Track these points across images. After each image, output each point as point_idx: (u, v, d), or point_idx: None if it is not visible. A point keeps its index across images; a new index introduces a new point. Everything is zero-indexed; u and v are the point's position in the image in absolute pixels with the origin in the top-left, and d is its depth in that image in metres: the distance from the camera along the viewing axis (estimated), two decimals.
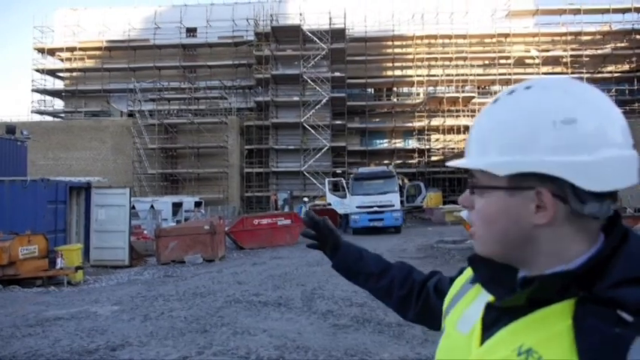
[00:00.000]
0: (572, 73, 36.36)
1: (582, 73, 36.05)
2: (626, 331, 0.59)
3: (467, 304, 0.84)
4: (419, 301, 1.13)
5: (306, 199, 22.85)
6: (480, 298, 0.81)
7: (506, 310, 0.72)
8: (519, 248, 0.72)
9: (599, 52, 38.16)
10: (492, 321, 0.74)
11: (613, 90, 35.50)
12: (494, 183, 0.73)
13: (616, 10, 37.91)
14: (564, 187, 0.68)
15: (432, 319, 1.06)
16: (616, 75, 37.74)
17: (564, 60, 37.87)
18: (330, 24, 35.96)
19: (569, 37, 38.04)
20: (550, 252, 0.70)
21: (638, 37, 38.29)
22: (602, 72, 37.97)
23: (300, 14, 36.08)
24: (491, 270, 0.78)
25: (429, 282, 1.13)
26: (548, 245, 0.70)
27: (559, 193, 0.68)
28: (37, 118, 41.08)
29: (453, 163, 0.80)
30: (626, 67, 38.73)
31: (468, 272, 0.89)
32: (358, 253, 1.28)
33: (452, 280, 1.02)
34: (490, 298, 0.78)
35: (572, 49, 37.84)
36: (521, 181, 0.70)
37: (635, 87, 37.53)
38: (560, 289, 0.67)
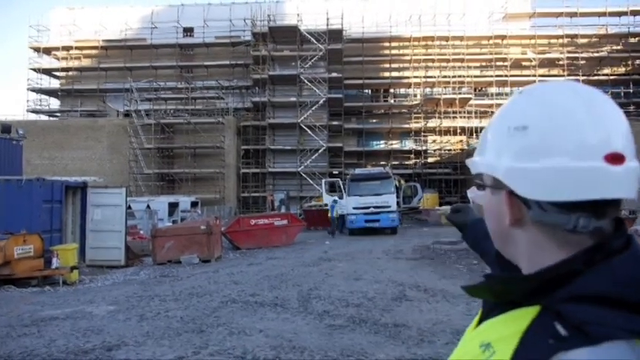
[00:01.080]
0: (568, 75, 36.54)
1: (578, 75, 36.22)
2: (557, 343, 0.59)
3: None
4: None
5: (336, 197, 22.71)
6: None
7: (496, 306, 0.75)
8: (507, 246, 0.75)
9: (596, 54, 38.33)
10: (486, 313, 0.78)
11: (609, 93, 35.63)
12: (486, 182, 0.76)
13: (612, 14, 38.12)
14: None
15: None
16: (612, 78, 37.94)
17: (561, 62, 38.02)
18: (327, 25, 35.97)
19: (565, 40, 38.21)
20: (526, 255, 0.72)
21: (633, 40, 38.50)
22: (598, 74, 38.15)
23: (298, 15, 36.08)
24: (501, 267, 0.81)
25: None
26: (524, 248, 0.72)
27: (521, 197, 0.68)
28: (33, 117, 40.97)
29: (467, 160, 0.83)
30: (622, 69, 38.94)
31: None
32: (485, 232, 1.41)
33: None
34: None
35: (569, 52, 37.98)
36: (498, 182, 0.72)
37: (631, 90, 37.74)
38: (524, 291, 0.68)
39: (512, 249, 0.75)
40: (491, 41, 38.44)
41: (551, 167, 0.65)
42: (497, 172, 0.71)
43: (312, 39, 35.29)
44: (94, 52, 40.57)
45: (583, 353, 0.57)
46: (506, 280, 0.72)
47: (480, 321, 0.79)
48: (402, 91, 41.18)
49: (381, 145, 40.01)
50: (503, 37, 38.31)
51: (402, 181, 28.98)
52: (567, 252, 0.68)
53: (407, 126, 38.51)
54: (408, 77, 39.25)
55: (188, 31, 40.37)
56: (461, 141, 37.37)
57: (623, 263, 0.64)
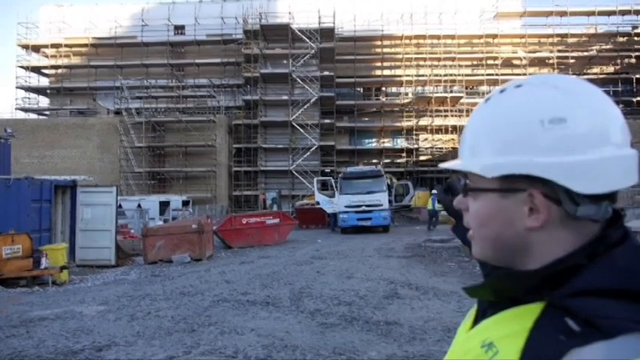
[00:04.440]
0: (558, 74, 36.82)
1: (568, 74, 36.43)
2: (570, 339, 0.58)
3: None
4: None
5: (435, 190, 22.52)
6: None
7: (492, 304, 0.73)
8: (511, 251, 0.70)
9: (585, 53, 38.67)
10: (482, 312, 0.76)
11: None
12: (487, 185, 0.70)
13: (601, 13, 38.45)
14: (556, 188, 0.65)
15: None
16: (601, 77, 38.26)
17: (551, 61, 38.32)
18: (319, 23, 35.91)
19: (555, 39, 38.51)
20: (543, 257, 0.68)
21: (622, 39, 38.88)
22: (587, 73, 38.44)
23: (289, 13, 35.98)
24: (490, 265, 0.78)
25: None
26: (542, 249, 0.68)
27: (551, 195, 0.66)
28: (22, 115, 40.47)
29: (445, 165, 0.77)
30: (611, 69, 39.32)
31: None
32: None
33: None
34: None
35: (559, 51, 38.30)
36: (513, 183, 0.68)
37: (620, 88, 38.10)
38: (527, 288, 0.67)
39: (521, 255, 0.70)
40: (482, 40, 38.61)
41: (605, 158, 0.64)
42: (535, 170, 0.65)
43: (304, 37, 35.23)
44: (83, 49, 40.15)
45: (599, 348, 0.55)
46: (511, 277, 0.69)
47: (476, 320, 0.77)
48: (394, 89, 41.26)
49: (372, 143, 40.07)
50: (494, 36, 38.51)
51: (394, 180, 29.06)
52: (580, 243, 0.67)
53: (399, 124, 38.59)
54: (399, 76, 39.32)
55: (179, 28, 40.08)
56: (452, 139, 37.51)
57: (626, 255, 0.64)
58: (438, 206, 20.82)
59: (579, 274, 0.63)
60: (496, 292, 0.70)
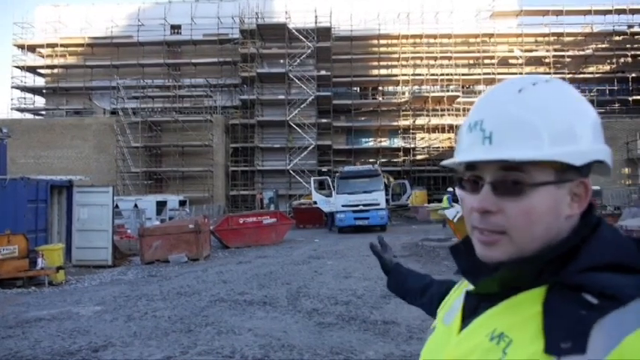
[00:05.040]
0: (554, 73, 36.91)
1: (564, 73, 36.60)
2: (591, 312, 0.62)
3: (454, 298, 0.86)
4: None
5: (450, 188, 22.23)
6: (465, 290, 0.83)
7: (484, 298, 0.73)
8: (549, 243, 0.71)
9: (581, 52, 38.79)
10: (472, 309, 0.76)
11: (594, 90, 36.16)
12: (545, 178, 0.70)
13: (597, 12, 38.59)
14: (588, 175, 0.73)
15: None
16: (597, 75, 38.41)
17: (547, 60, 38.42)
18: (315, 22, 35.92)
19: (551, 38, 38.61)
20: (561, 243, 0.71)
21: (618, 38, 39.01)
22: (583, 72, 38.60)
23: (286, 12, 35.97)
24: (472, 259, 0.78)
25: None
26: (564, 236, 0.71)
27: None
28: (18, 115, 40.33)
29: (507, 156, 0.69)
30: (607, 67, 39.44)
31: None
32: (405, 275, 1.37)
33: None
34: (472, 287, 0.80)
35: (555, 50, 38.41)
36: (567, 173, 0.70)
37: (616, 87, 38.25)
38: (533, 274, 0.69)
39: (550, 246, 0.72)
40: (478, 39, 38.69)
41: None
42: (603, 155, 0.72)
43: (301, 37, 35.22)
44: (79, 49, 40.04)
45: (622, 314, 0.60)
46: (522, 263, 0.70)
47: (463, 320, 0.77)
48: (391, 88, 41.30)
49: (369, 142, 40.09)
50: (490, 35, 38.58)
51: (391, 179, 29.11)
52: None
53: (395, 124, 38.64)
54: (396, 75, 39.37)
55: (175, 28, 40.03)
56: (449, 138, 37.58)
57: (611, 233, 0.70)
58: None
59: (579, 253, 0.68)
60: (502, 282, 0.71)
